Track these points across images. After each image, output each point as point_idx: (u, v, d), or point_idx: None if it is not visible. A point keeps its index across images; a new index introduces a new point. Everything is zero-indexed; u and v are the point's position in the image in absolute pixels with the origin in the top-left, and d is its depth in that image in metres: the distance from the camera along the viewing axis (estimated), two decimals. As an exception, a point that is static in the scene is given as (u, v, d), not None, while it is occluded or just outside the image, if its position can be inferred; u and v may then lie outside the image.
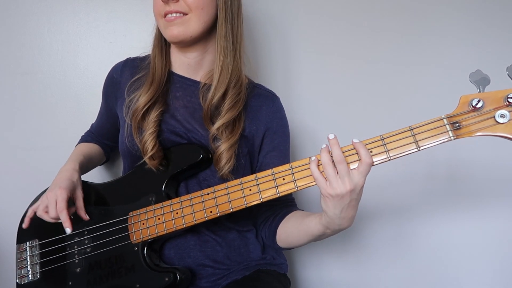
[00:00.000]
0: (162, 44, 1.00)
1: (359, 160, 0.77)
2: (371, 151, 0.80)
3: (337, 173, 0.76)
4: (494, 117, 0.74)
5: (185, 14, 0.90)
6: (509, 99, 0.73)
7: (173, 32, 0.91)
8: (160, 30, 0.96)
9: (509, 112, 0.74)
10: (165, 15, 0.91)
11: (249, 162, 1.02)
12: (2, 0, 1.29)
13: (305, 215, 0.93)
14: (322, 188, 0.78)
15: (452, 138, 0.77)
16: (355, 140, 0.78)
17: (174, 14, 0.90)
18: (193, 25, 0.91)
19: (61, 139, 1.27)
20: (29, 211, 0.97)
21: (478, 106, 0.75)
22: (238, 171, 0.97)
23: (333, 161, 0.77)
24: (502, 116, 0.74)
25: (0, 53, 1.29)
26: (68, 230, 0.92)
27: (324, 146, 0.79)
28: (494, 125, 0.75)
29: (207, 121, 0.94)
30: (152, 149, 0.93)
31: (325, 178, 0.77)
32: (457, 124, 0.77)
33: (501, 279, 1.34)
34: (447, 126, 0.77)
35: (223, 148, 0.92)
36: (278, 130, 1.03)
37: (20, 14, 1.29)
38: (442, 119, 0.78)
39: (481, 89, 0.76)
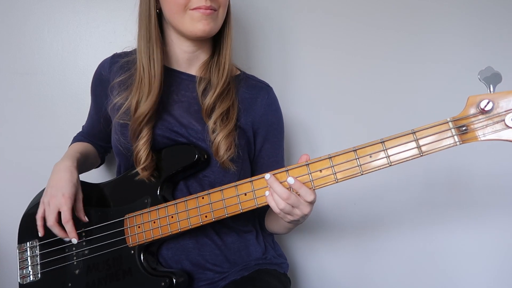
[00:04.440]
0: (155, 37, 0.93)
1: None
2: (370, 156, 0.75)
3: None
4: (504, 120, 0.67)
5: (215, 10, 0.90)
6: (521, 101, 0.66)
7: (205, 27, 0.89)
8: (181, 23, 0.90)
9: (521, 115, 0.67)
10: (196, 8, 0.87)
11: (247, 154, 1.02)
12: (2, 0, 1.28)
13: None
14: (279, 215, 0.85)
15: (458, 143, 0.71)
16: (289, 181, 0.79)
17: (208, 10, 0.88)
18: (219, 21, 0.93)
19: (61, 139, 1.24)
20: (38, 221, 0.95)
21: (487, 108, 0.68)
22: (237, 163, 0.96)
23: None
24: (513, 119, 0.67)
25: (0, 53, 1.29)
26: (75, 241, 0.93)
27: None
28: (504, 130, 0.68)
29: (205, 117, 0.94)
30: (145, 161, 0.91)
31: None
32: (463, 128, 0.70)
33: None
34: (453, 130, 0.71)
35: (221, 137, 0.91)
36: (273, 122, 1.02)
37: (20, 14, 1.28)
38: (448, 122, 0.72)
39: (491, 88, 0.69)
